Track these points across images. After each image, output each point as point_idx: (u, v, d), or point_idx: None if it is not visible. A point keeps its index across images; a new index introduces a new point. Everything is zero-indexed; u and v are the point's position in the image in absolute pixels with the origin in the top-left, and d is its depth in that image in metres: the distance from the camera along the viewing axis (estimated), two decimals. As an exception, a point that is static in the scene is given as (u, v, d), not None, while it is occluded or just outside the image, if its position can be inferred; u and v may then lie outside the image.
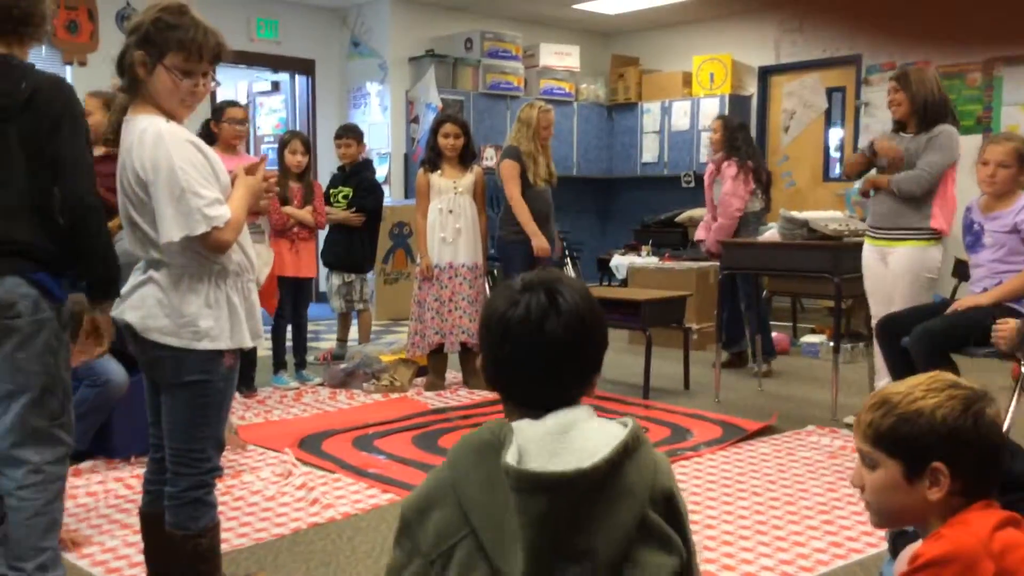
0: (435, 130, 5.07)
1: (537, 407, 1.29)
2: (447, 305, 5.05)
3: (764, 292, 5.76)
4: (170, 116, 2.13)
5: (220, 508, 2.54)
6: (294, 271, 5.16)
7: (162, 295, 2.12)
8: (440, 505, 1.23)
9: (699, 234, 5.86)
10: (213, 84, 2.20)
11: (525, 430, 1.25)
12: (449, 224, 5.02)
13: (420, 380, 5.24)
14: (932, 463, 1.40)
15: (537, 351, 1.28)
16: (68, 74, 7.26)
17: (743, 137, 5.56)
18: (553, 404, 1.29)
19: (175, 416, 2.17)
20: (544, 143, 5.26)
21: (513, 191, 5.12)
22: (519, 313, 1.29)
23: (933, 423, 1.40)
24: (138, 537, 2.89)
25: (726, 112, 8.66)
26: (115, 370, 3.56)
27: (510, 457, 1.19)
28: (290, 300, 5.18)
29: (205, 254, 2.10)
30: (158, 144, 2.05)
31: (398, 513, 1.28)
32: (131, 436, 3.73)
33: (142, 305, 2.14)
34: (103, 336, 2.39)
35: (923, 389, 1.44)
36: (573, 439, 1.23)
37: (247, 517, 3.12)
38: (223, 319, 2.14)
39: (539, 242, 5.08)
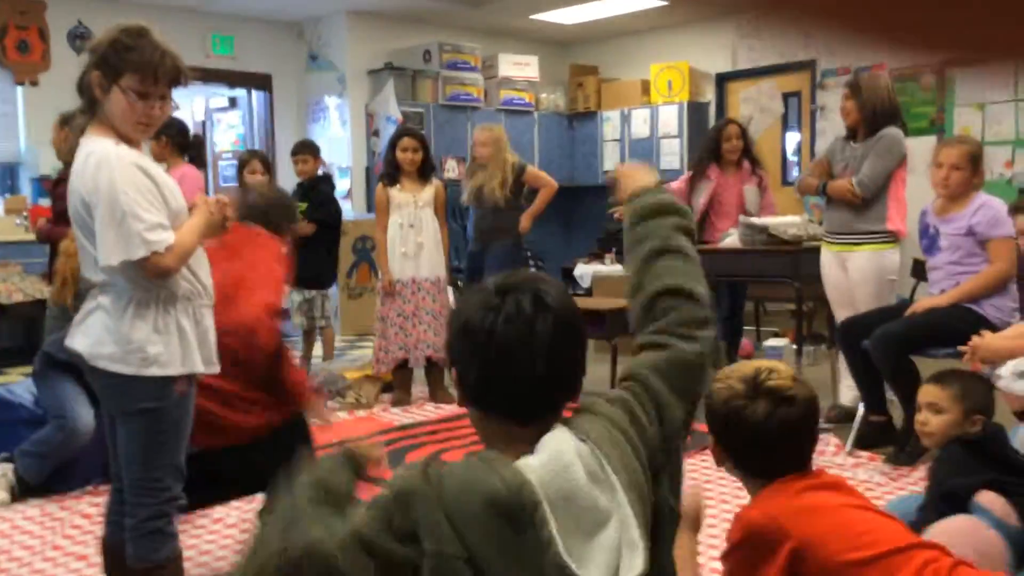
0: (393, 144, 5.05)
1: (525, 417, 1.24)
2: (411, 320, 5.03)
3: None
4: (125, 138, 2.09)
5: (180, 537, 2.49)
6: None
7: (109, 321, 2.08)
8: (429, 537, 1.13)
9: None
10: (171, 107, 2.17)
11: (538, 477, 1.16)
12: (410, 238, 5.00)
13: (386, 396, 5.20)
14: (712, 438, 1.68)
15: (528, 354, 1.21)
16: (19, 94, 7.14)
17: (751, 143, 5.47)
18: (541, 412, 1.24)
19: (130, 446, 2.12)
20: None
21: None
22: (504, 316, 1.22)
23: (709, 403, 1.64)
24: (93, 570, 2.84)
25: (686, 119, 8.73)
26: (84, 417, 3.50)
27: (563, 554, 1.12)
28: None
29: (147, 279, 2.05)
30: (101, 167, 2.01)
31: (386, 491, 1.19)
32: (89, 466, 3.66)
33: (89, 332, 2.10)
34: None
35: (724, 374, 1.66)
36: (578, 479, 1.18)
37: (207, 545, 3.06)
38: (173, 344, 2.09)
39: None
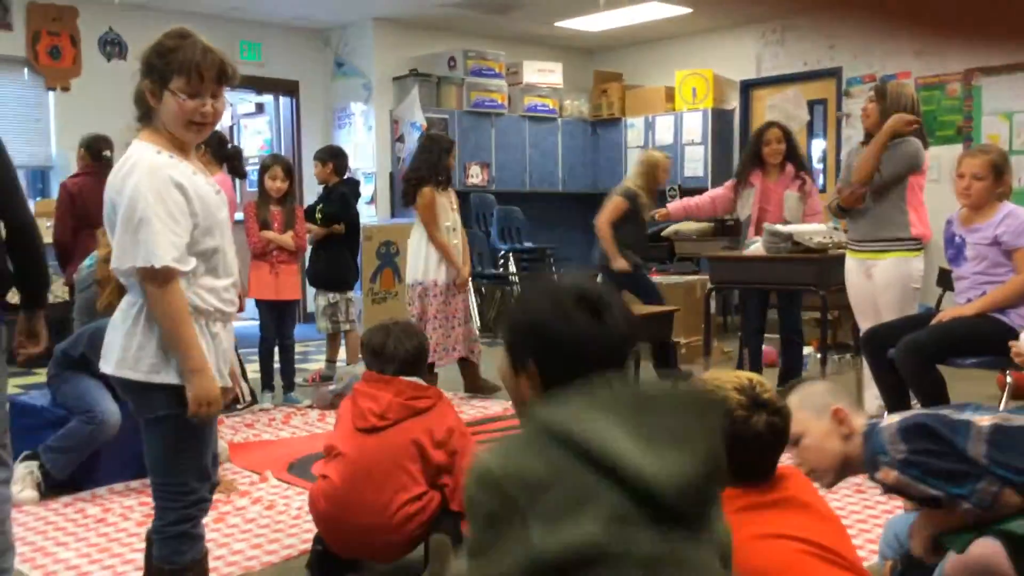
0: (448, 151, 5.25)
1: None
2: (451, 320, 5.22)
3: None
4: (179, 143, 2.12)
5: (211, 536, 2.53)
6: (274, 294, 5.22)
7: (120, 325, 2.11)
8: (533, 455, 1.15)
9: (672, 205, 5.70)
10: (224, 105, 2.18)
11: None
12: (452, 242, 5.23)
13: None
14: None
15: (618, 358, 1.34)
16: (51, 100, 7.26)
17: (799, 145, 5.36)
18: None
19: (153, 451, 2.15)
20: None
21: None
22: (607, 330, 1.32)
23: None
24: (128, 567, 2.89)
25: (710, 126, 8.72)
26: (111, 410, 3.56)
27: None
28: (273, 322, 5.22)
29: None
30: (132, 172, 2.04)
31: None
32: (117, 464, 3.72)
33: (107, 337, 2.15)
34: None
35: (715, 384, 1.71)
36: None
37: (238, 544, 3.10)
38: None
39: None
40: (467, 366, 5.45)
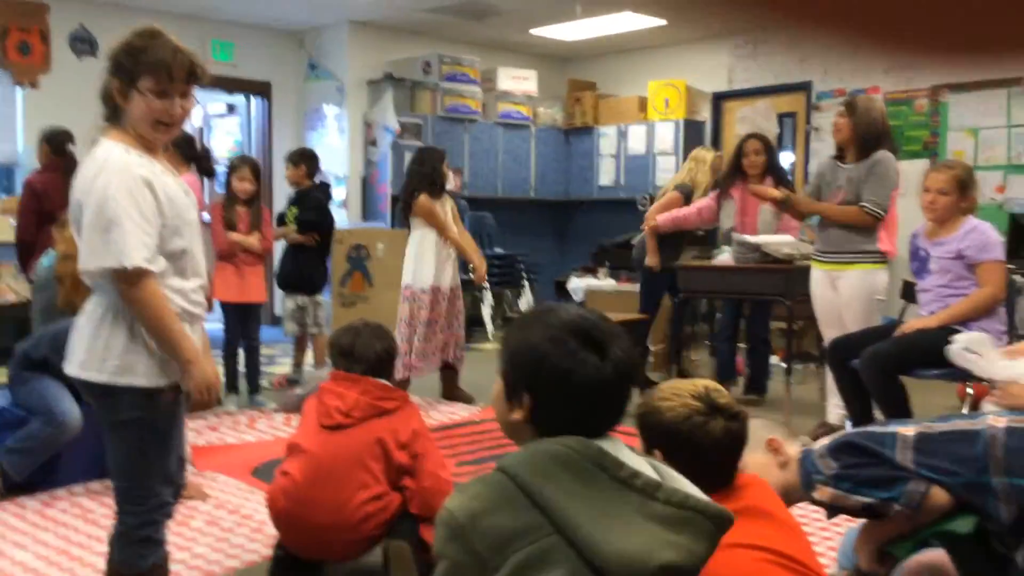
0: (441, 160, 5.28)
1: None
2: (434, 326, 5.25)
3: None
4: (147, 143, 2.10)
5: (172, 539, 2.50)
6: (239, 296, 5.20)
7: (86, 327, 2.09)
8: (502, 509, 1.22)
9: (662, 217, 5.57)
10: (193, 104, 2.16)
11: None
12: (443, 248, 5.29)
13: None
14: (653, 451, 1.71)
15: (618, 403, 1.35)
16: (18, 96, 7.16)
17: (778, 158, 5.36)
18: (593, 436, 1.33)
19: (117, 455, 2.12)
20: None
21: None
22: (609, 370, 1.31)
23: (660, 420, 1.70)
24: (87, 570, 2.85)
25: (682, 136, 8.78)
26: (72, 412, 3.51)
27: (652, 472, 1.28)
28: (238, 324, 5.20)
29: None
30: (102, 171, 2.02)
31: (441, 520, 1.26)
32: (78, 466, 3.67)
33: (71, 339, 2.12)
34: None
35: (671, 392, 1.73)
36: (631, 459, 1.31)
37: (200, 548, 3.07)
38: (150, 356, 2.06)
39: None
40: (448, 372, 5.44)
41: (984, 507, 1.54)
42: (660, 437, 1.70)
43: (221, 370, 5.45)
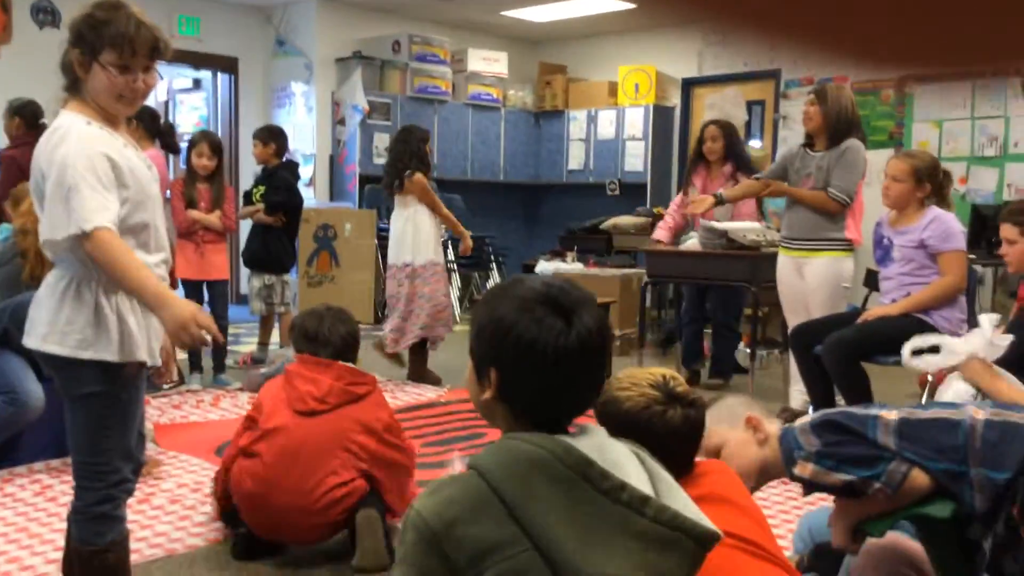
0: (424, 140, 5.32)
1: (562, 421, 1.28)
2: (433, 299, 5.33)
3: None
4: (108, 115, 2.07)
5: (134, 518, 2.48)
6: (199, 274, 5.18)
7: (47, 300, 2.05)
8: (478, 519, 1.16)
9: (657, 234, 5.53)
10: (155, 79, 2.13)
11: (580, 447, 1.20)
12: (439, 225, 5.41)
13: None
14: None
15: (589, 373, 1.28)
16: (-22, 65, 7.00)
17: (741, 145, 5.34)
18: (574, 416, 1.29)
19: (77, 429, 2.08)
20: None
21: None
22: (574, 338, 1.24)
23: (619, 410, 1.68)
24: (46, 547, 2.82)
25: (651, 122, 8.81)
26: (34, 391, 3.45)
27: (640, 488, 1.18)
28: (199, 302, 5.14)
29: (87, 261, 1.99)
30: (62, 141, 1.99)
31: (409, 523, 1.18)
32: (39, 443, 3.62)
33: (31, 311, 2.08)
34: None
35: (630, 381, 1.71)
36: (620, 457, 1.23)
37: (163, 526, 3.05)
38: (111, 331, 2.03)
39: None
40: (417, 353, 5.44)
41: (960, 495, 1.57)
42: (620, 427, 1.66)
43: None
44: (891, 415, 1.65)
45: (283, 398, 2.72)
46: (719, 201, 4.57)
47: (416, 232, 5.27)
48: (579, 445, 1.20)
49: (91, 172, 1.97)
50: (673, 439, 1.71)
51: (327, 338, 2.80)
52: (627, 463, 1.23)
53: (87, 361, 2.02)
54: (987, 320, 2.52)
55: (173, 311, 1.98)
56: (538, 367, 1.24)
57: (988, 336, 2.45)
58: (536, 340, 1.23)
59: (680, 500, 1.25)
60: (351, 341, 2.84)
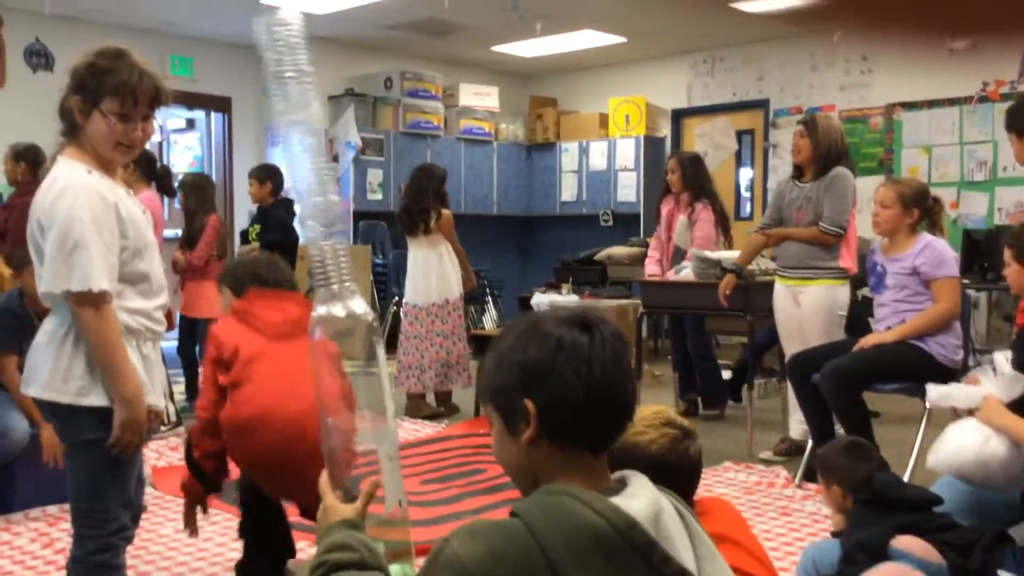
0: (443, 180, 5.48)
1: (604, 448, 1.21)
2: (426, 341, 5.48)
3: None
4: (105, 162, 2.08)
5: (133, 563, 2.46)
6: (184, 310, 5.34)
7: (47, 347, 2.06)
8: None
9: (650, 269, 5.60)
10: (153, 128, 2.15)
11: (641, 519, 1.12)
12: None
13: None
14: None
15: (622, 384, 1.21)
16: (-29, 110, 7.03)
17: (705, 175, 5.44)
18: (612, 442, 1.22)
19: (76, 476, 2.08)
20: None
21: None
22: (600, 347, 1.18)
23: (647, 455, 1.66)
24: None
25: (642, 152, 8.87)
26: (19, 425, 3.43)
27: None
28: (186, 338, 5.35)
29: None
30: (64, 193, 1.99)
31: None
32: (32, 489, 3.59)
33: (30, 359, 2.08)
34: None
35: (642, 425, 1.70)
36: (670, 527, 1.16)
37: (160, 573, 3.02)
38: None
39: None
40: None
41: None
42: (648, 471, 1.68)
43: (180, 388, 5.41)
44: None
45: (248, 332, 2.59)
46: (737, 274, 4.52)
47: (445, 269, 5.43)
48: (638, 513, 1.12)
49: (95, 227, 1.98)
50: (694, 474, 1.72)
51: (281, 279, 2.76)
52: (676, 533, 1.17)
53: (86, 408, 2.03)
54: (1002, 358, 2.53)
55: (138, 411, 2.04)
56: (582, 376, 1.16)
57: (1008, 376, 2.46)
58: (562, 340, 1.17)
59: (718, 567, 1.21)
60: (296, 284, 2.82)
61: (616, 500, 1.13)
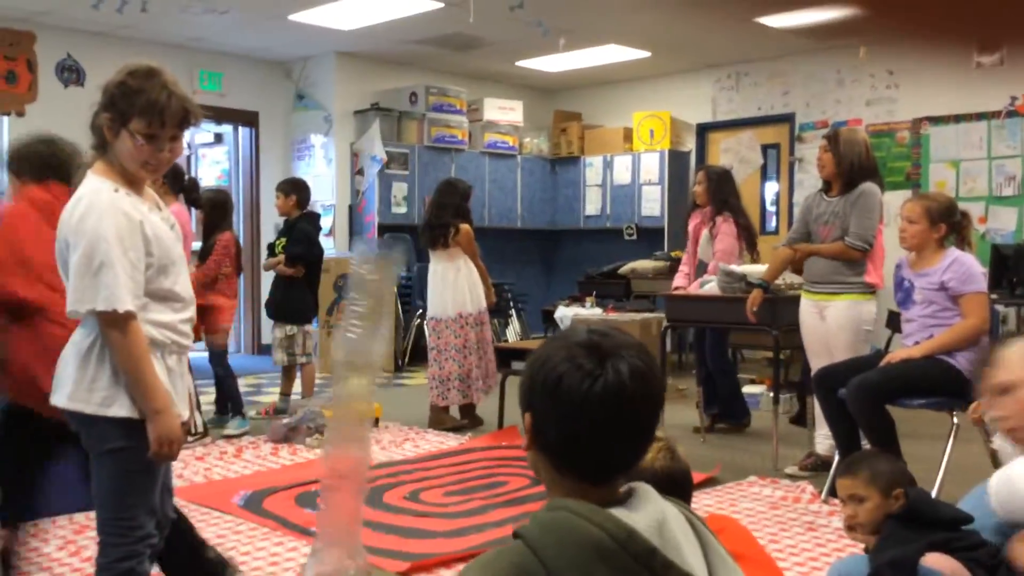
0: (466, 195, 5.55)
1: (602, 480, 1.20)
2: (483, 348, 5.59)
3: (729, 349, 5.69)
4: (132, 178, 2.11)
5: (157, 570, 2.47)
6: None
7: (75, 358, 2.09)
8: None
9: (678, 282, 5.62)
10: (182, 148, 2.17)
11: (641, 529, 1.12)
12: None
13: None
14: None
15: (619, 425, 1.18)
16: (5, 124, 7.15)
17: (730, 189, 5.45)
18: (616, 475, 1.21)
19: (102, 485, 2.10)
20: None
21: None
22: (603, 384, 1.16)
23: (653, 472, 1.73)
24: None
25: (667, 166, 8.86)
26: None
27: None
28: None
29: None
30: (90, 211, 2.02)
31: None
32: (62, 498, 3.61)
33: (58, 370, 2.12)
34: None
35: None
36: (676, 538, 1.16)
37: None
38: None
39: None
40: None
41: None
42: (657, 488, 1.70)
43: (207, 399, 5.47)
44: None
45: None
46: (764, 288, 4.49)
47: (471, 282, 5.47)
48: (639, 522, 1.13)
49: (122, 247, 2.01)
50: (690, 480, 1.76)
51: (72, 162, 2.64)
52: (684, 540, 1.17)
53: (111, 418, 2.05)
54: None
55: (170, 423, 2.06)
56: (563, 408, 1.16)
57: None
58: (561, 379, 1.16)
59: (733, 573, 1.21)
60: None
61: (616, 511, 1.14)
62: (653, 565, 1.09)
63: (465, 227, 5.44)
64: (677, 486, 1.73)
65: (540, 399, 1.19)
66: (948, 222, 3.76)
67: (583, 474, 1.20)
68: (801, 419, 5.34)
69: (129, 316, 2.01)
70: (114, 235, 2.00)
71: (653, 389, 1.20)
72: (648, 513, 1.15)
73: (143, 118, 2.05)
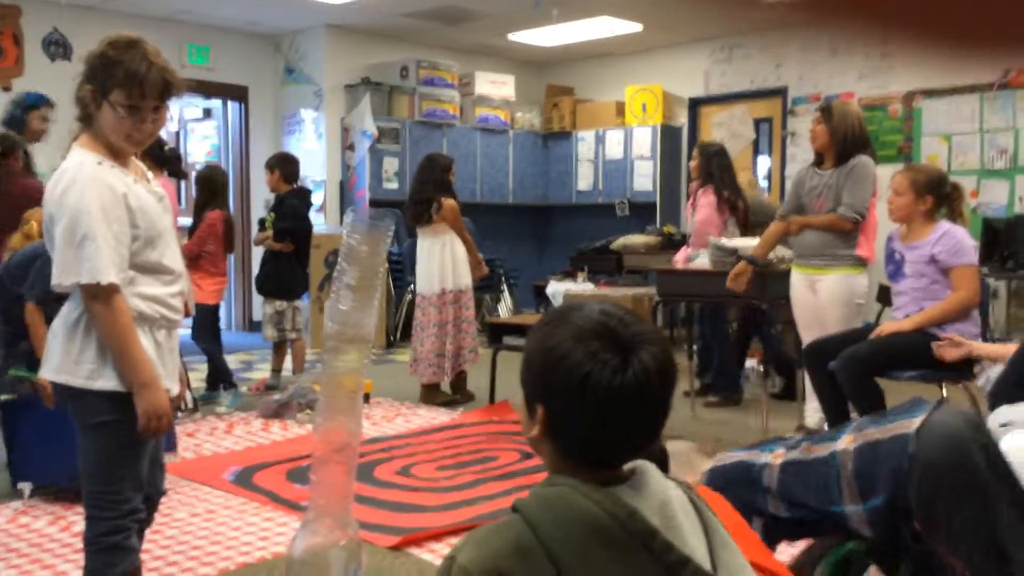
0: (447, 169, 5.46)
1: (612, 464, 1.18)
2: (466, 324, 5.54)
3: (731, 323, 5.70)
4: (116, 150, 2.09)
5: (148, 547, 2.48)
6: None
7: (63, 332, 2.08)
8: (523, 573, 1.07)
9: (679, 256, 5.69)
10: (166, 119, 2.15)
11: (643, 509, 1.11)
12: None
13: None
14: None
15: (641, 416, 1.15)
16: (-9, 99, 7.08)
17: (718, 164, 5.48)
18: (627, 459, 1.19)
19: (89, 458, 2.09)
20: None
21: None
22: (629, 379, 1.12)
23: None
24: (47, 573, 2.82)
25: (659, 141, 8.83)
26: None
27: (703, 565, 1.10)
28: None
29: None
30: (74, 183, 2.00)
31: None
32: (50, 470, 3.61)
33: (48, 343, 2.11)
34: None
35: None
36: (676, 517, 1.15)
37: (175, 556, 3.04)
38: None
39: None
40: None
41: (850, 531, 1.55)
42: None
43: (198, 376, 5.45)
44: (778, 459, 1.64)
45: None
46: (754, 264, 4.48)
47: (455, 258, 5.41)
48: (640, 503, 1.12)
49: (105, 219, 1.99)
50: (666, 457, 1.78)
51: None
52: (685, 521, 1.16)
53: (97, 391, 2.04)
54: None
55: (156, 396, 2.04)
56: (589, 406, 1.12)
57: None
58: (588, 376, 1.12)
59: (733, 556, 1.19)
60: None
61: (617, 490, 1.13)
62: (652, 546, 1.08)
63: (449, 202, 5.37)
64: (663, 461, 1.74)
65: (561, 396, 1.14)
66: (935, 194, 3.76)
67: (598, 461, 1.17)
68: (787, 393, 5.37)
69: (112, 288, 1.99)
70: (97, 208, 1.98)
71: (672, 374, 1.18)
72: (651, 493, 1.14)
73: (123, 89, 2.02)
